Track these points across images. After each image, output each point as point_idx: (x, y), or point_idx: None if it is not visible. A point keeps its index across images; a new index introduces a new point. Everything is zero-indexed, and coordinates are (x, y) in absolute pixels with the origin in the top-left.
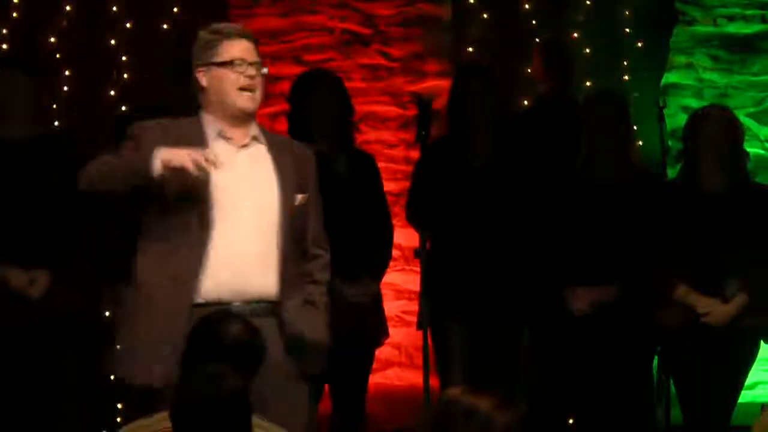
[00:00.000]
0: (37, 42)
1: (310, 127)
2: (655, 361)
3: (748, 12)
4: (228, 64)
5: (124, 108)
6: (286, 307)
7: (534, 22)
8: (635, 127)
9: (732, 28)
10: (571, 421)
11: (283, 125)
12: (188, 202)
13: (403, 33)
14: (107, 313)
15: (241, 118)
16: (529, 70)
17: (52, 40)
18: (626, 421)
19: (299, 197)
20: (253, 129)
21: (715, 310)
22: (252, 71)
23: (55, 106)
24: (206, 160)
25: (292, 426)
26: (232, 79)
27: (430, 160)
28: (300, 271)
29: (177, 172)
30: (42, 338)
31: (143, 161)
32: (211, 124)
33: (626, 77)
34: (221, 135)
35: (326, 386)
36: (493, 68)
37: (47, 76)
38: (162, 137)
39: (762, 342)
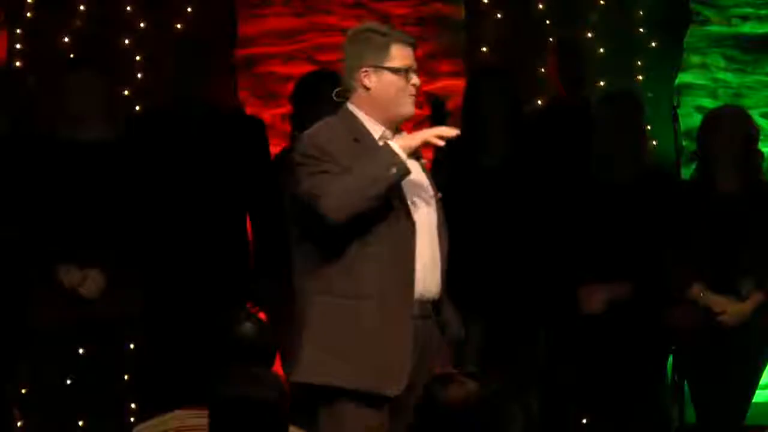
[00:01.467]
0: (51, 42)
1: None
2: (670, 361)
3: (762, 12)
4: (401, 71)
5: (137, 108)
6: (447, 308)
7: (548, 21)
8: (649, 127)
9: (746, 28)
10: (585, 421)
11: None
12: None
13: (417, 33)
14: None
15: (397, 122)
16: (543, 70)
17: (66, 40)
18: (640, 421)
19: (439, 196)
20: (404, 133)
21: (730, 309)
22: (418, 80)
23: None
24: (447, 131)
25: None
26: (401, 86)
27: (444, 160)
28: None
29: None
30: (97, 339)
31: (380, 165)
32: (370, 124)
33: (640, 77)
34: (384, 137)
35: None
36: (507, 68)
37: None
38: (338, 137)
39: None
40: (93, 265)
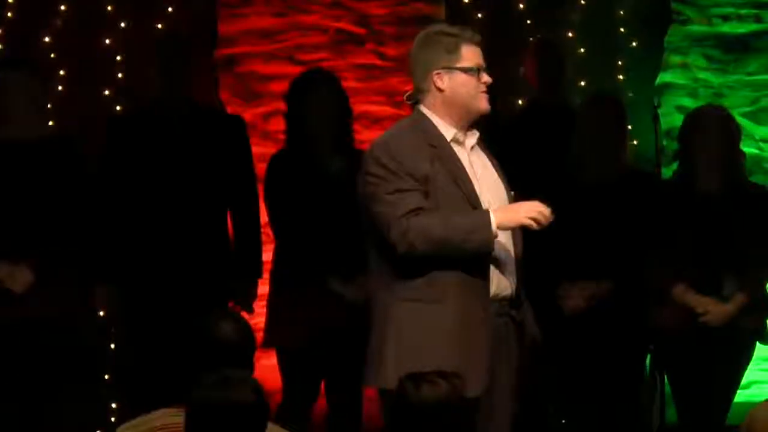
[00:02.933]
0: (32, 42)
1: (308, 127)
2: (648, 360)
3: (743, 11)
4: (472, 70)
5: (118, 108)
6: (526, 307)
7: (528, 21)
8: (629, 127)
9: (726, 28)
10: (564, 421)
11: (275, 125)
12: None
13: (398, 32)
14: (101, 313)
15: (470, 120)
16: (523, 70)
17: (47, 39)
18: (620, 421)
19: (512, 194)
20: (475, 132)
21: (713, 309)
22: (488, 78)
23: (49, 105)
24: (543, 215)
25: None
26: (474, 84)
27: None
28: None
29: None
30: (28, 336)
31: (480, 234)
32: (442, 126)
33: (621, 77)
34: (455, 139)
35: (322, 385)
36: (487, 67)
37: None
38: (412, 144)
39: (758, 342)
40: (24, 261)
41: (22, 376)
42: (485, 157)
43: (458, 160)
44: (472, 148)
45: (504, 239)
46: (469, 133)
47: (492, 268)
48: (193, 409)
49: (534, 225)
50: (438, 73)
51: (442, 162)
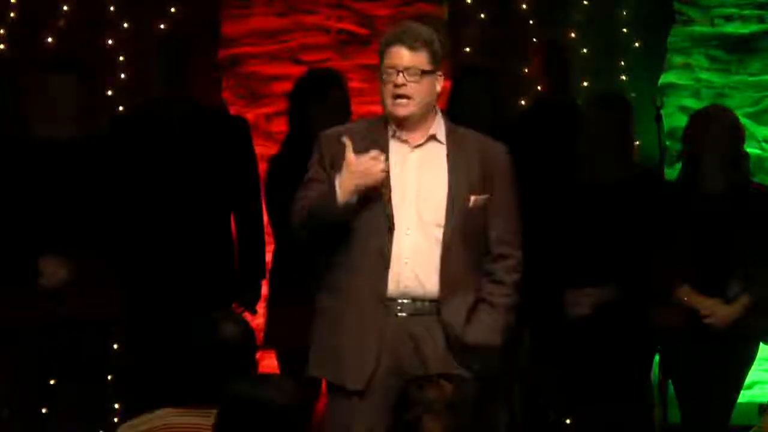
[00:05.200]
0: (35, 42)
1: (310, 128)
2: (656, 361)
3: (746, 12)
4: (383, 72)
5: (120, 108)
6: (450, 307)
7: (531, 21)
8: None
9: (729, 28)
10: (568, 422)
11: (278, 126)
12: (370, 205)
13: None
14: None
15: (409, 121)
16: (526, 70)
17: (50, 40)
18: (624, 421)
19: (473, 198)
20: (434, 128)
21: (717, 311)
22: (401, 79)
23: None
24: (377, 160)
25: None
26: (386, 87)
27: None
28: (475, 271)
29: (362, 191)
30: (34, 337)
31: (330, 201)
32: (389, 124)
33: (624, 77)
34: (396, 136)
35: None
36: (490, 68)
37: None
38: (341, 147)
39: (761, 342)
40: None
41: (28, 378)
42: (439, 156)
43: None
44: (420, 145)
45: (422, 240)
46: (416, 131)
47: (397, 267)
48: (230, 402)
49: (371, 183)
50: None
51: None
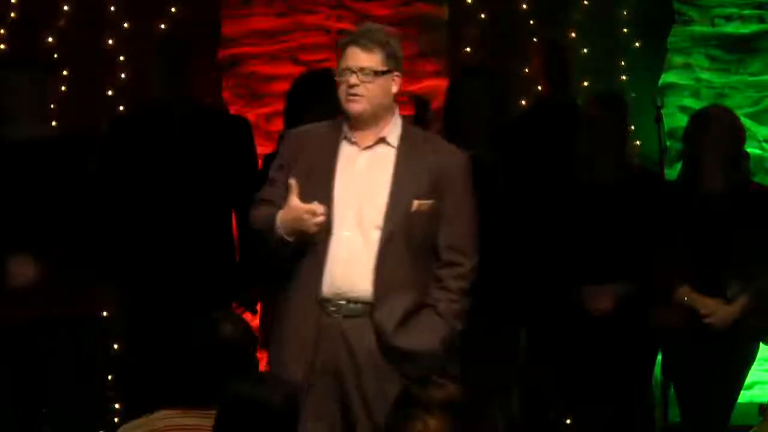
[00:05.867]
0: (35, 42)
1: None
2: (659, 361)
3: (746, 12)
4: (340, 73)
5: (121, 108)
6: (382, 309)
7: (531, 21)
8: (632, 127)
9: (729, 28)
10: (568, 421)
11: (277, 126)
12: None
13: (400, 33)
14: (104, 313)
15: (361, 121)
16: (527, 70)
17: (50, 40)
18: (625, 421)
19: (416, 203)
20: (386, 131)
21: (717, 311)
22: (354, 80)
23: (52, 106)
24: (314, 214)
25: None
26: (341, 87)
27: None
28: (420, 276)
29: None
30: (34, 337)
31: (270, 229)
32: (344, 126)
33: (624, 77)
34: (346, 137)
35: None
36: (490, 68)
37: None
38: (299, 147)
39: (761, 343)
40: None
41: (25, 378)
42: (388, 159)
43: (333, 156)
44: (369, 147)
45: (359, 241)
46: (367, 132)
47: (332, 268)
48: (228, 402)
49: (305, 231)
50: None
51: (317, 156)
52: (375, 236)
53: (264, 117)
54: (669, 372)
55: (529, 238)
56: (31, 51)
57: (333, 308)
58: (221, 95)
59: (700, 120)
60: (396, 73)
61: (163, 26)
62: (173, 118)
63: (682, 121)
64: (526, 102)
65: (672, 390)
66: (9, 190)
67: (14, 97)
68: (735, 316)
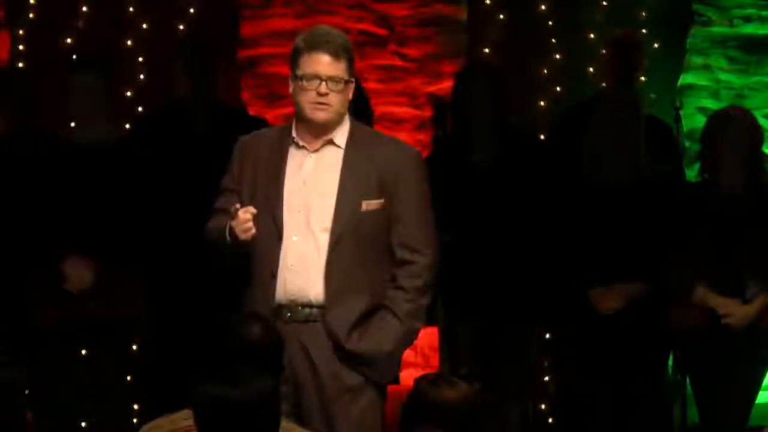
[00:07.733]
0: (54, 43)
1: None
2: (670, 361)
3: (765, 13)
4: (302, 78)
5: (140, 109)
6: (334, 313)
7: (550, 22)
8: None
9: (748, 29)
10: (585, 421)
11: None
12: (265, 212)
13: (420, 34)
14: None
15: (321, 128)
16: (545, 71)
17: (69, 41)
18: (643, 421)
19: (365, 203)
20: (334, 133)
21: (735, 311)
22: (324, 88)
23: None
24: (243, 220)
25: None
26: (307, 94)
27: (435, 159)
28: (373, 277)
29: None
30: (97, 340)
31: (222, 239)
32: (292, 130)
33: (642, 78)
34: (295, 142)
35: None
36: (508, 68)
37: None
38: (247, 153)
39: None
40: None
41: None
42: (335, 161)
43: (281, 161)
44: (316, 151)
45: (308, 245)
46: (317, 136)
47: (283, 274)
48: (197, 404)
49: (239, 234)
50: (290, 80)
51: (266, 162)
52: (324, 239)
53: (283, 118)
54: (687, 372)
55: (541, 237)
56: (50, 52)
57: (288, 314)
58: (240, 96)
59: (718, 120)
60: (353, 80)
61: (181, 27)
62: (194, 118)
63: (701, 121)
64: (544, 102)
65: (689, 390)
66: (78, 192)
67: (85, 98)
68: (753, 317)
